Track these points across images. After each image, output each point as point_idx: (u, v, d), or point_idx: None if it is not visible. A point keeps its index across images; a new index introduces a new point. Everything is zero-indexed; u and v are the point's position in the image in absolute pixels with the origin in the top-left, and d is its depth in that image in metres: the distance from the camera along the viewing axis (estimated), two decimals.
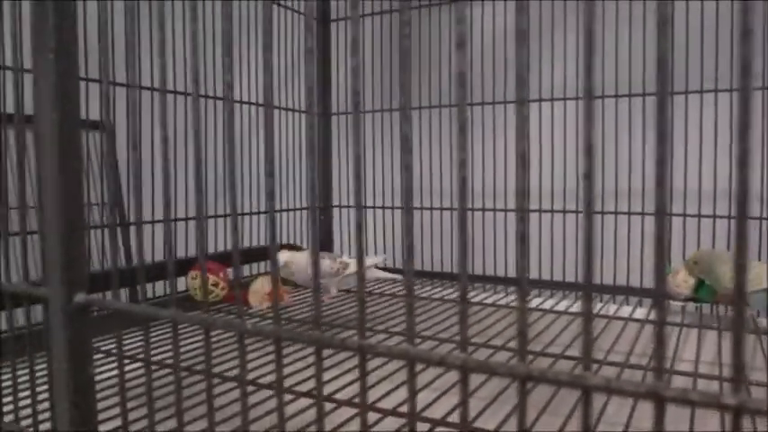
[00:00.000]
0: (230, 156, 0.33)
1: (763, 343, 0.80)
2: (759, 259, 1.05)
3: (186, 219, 1.03)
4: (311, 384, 0.63)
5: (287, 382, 0.63)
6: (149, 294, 1.02)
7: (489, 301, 1.09)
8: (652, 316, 0.96)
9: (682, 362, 0.80)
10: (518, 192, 0.25)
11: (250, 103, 1.21)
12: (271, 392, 0.61)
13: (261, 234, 1.26)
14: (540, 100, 1.26)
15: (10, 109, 0.78)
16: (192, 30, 0.34)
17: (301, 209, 1.38)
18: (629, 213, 1.19)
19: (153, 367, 0.69)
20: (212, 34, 1.11)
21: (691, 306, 1.06)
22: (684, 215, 1.14)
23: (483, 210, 1.31)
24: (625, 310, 1.04)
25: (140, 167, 0.39)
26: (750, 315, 0.95)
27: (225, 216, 1.17)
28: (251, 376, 0.65)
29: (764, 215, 1.06)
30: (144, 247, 1.02)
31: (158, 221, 1.02)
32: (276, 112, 1.30)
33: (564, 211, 1.24)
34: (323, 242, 1.45)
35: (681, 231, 1.14)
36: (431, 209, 1.37)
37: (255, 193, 1.23)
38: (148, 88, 1.00)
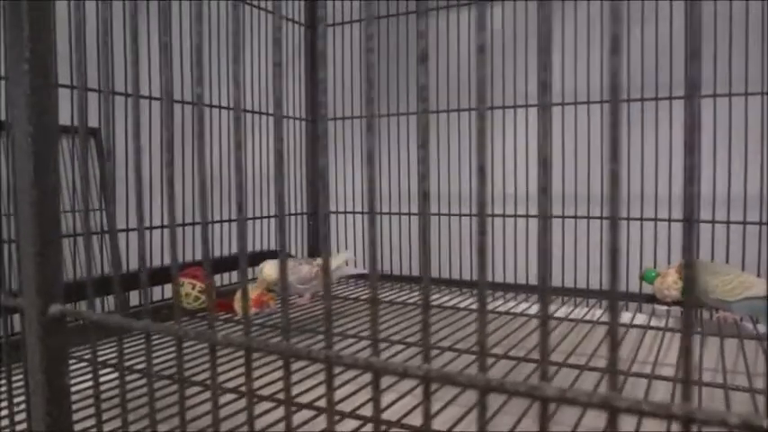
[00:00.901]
0: (200, 163, 0.34)
1: (745, 347, 0.80)
2: (743, 267, 1.06)
3: (172, 225, 1.03)
4: (293, 392, 0.63)
5: (268, 390, 0.63)
6: (136, 302, 1.02)
7: (488, 307, 1.09)
8: (637, 320, 0.97)
9: (664, 366, 0.81)
10: (478, 201, 0.25)
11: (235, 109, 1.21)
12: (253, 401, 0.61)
13: (255, 241, 1.26)
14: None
15: None
16: (163, 35, 0.34)
17: (288, 215, 1.38)
18: (628, 219, 1.20)
19: (130, 377, 0.69)
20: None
21: (676, 310, 1.07)
22: (669, 220, 1.15)
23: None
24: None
25: (115, 175, 0.39)
26: (733, 320, 0.96)
27: (203, 223, 1.17)
28: (231, 385, 0.65)
29: (764, 220, 1.07)
30: (128, 255, 1.02)
31: (136, 230, 1.01)
32: (264, 117, 1.30)
33: (562, 217, 1.25)
34: (312, 249, 1.45)
35: (666, 237, 1.15)
36: (427, 214, 1.37)
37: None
38: (123, 94, 0.99)
